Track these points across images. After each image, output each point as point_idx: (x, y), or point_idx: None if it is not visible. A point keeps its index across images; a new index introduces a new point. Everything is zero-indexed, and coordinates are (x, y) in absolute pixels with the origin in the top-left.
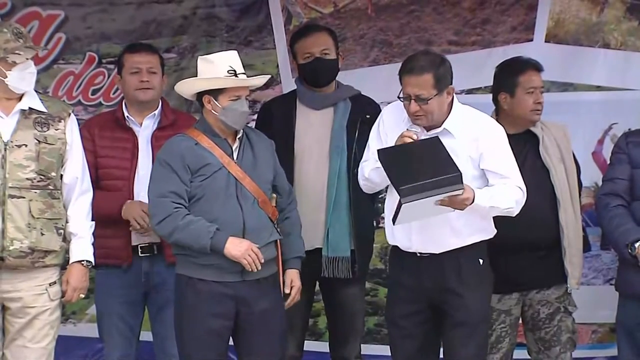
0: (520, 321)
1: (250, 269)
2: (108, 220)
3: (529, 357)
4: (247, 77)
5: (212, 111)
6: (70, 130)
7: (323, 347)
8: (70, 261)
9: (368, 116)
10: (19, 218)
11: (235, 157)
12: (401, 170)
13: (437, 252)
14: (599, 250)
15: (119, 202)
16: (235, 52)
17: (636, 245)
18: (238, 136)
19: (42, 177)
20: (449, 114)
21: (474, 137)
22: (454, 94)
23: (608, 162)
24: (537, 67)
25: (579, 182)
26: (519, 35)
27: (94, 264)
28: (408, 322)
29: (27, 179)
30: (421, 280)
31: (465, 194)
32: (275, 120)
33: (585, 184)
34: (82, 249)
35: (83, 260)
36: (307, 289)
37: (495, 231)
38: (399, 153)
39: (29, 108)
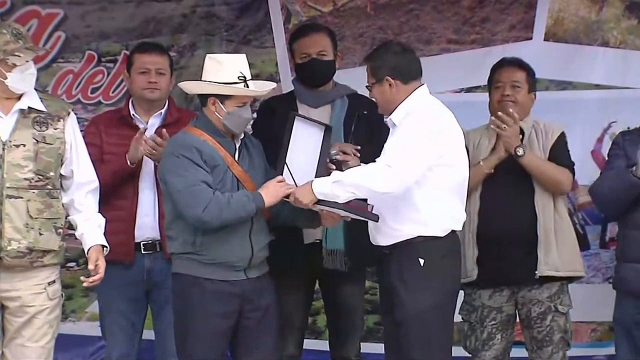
0: (518, 319)
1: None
2: (117, 179)
3: (527, 356)
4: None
5: (216, 113)
6: (71, 130)
7: (322, 345)
8: (91, 244)
9: (365, 112)
10: (17, 218)
11: (236, 158)
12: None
13: (386, 245)
14: (598, 249)
15: (122, 160)
16: (244, 55)
17: (633, 168)
18: (241, 137)
19: (40, 177)
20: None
21: None
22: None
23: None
24: (515, 63)
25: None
26: (518, 34)
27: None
28: (385, 317)
29: (25, 179)
30: (382, 278)
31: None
32: (277, 117)
33: (584, 182)
34: (101, 235)
35: (104, 246)
36: (306, 287)
37: (448, 229)
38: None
39: (28, 107)
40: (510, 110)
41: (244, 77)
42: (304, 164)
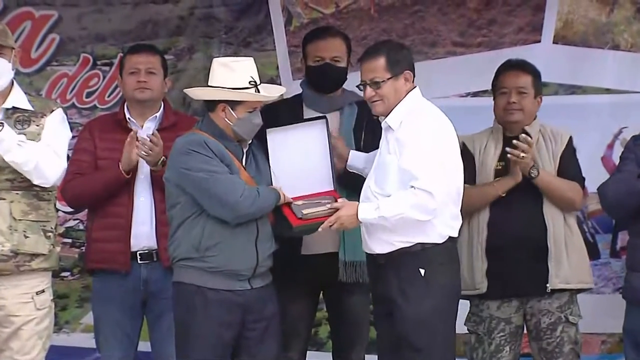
0: (526, 330)
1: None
2: (111, 189)
3: None
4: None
5: (226, 119)
6: (51, 123)
7: (323, 357)
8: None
9: (375, 117)
10: (0, 220)
11: (244, 163)
12: None
13: (382, 253)
14: (609, 258)
15: (116, 168)
16: (252, 59)
17: None
18: (249, 142)
19: (22, 177)
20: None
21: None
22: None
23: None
24: (520, 67)
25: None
26: (526, 37)
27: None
28: (379, 324)
29: (7, 179)
30: (376, 287)
31: (334, 216)
32: (281, 121)
33: (594, 190)
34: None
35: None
36: (312, 297)
37: (446, 236)
38: None
39: (13, 107)
40: (524, 135)
41: (255, 82)
42: (310, 164)
